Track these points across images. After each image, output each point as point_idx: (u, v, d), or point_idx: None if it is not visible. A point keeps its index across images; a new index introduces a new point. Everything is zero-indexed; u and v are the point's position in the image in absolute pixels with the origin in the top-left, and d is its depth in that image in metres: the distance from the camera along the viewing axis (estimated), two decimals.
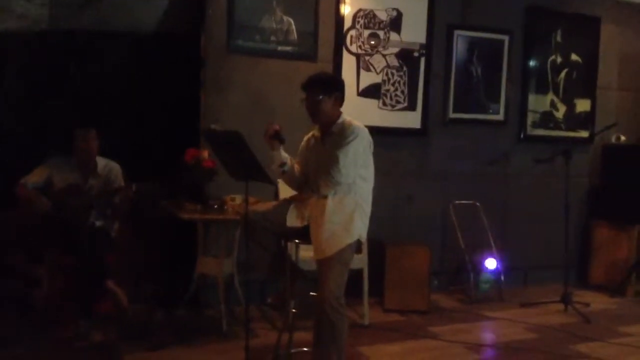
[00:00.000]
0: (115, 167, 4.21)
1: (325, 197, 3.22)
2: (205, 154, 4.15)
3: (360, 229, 3.28)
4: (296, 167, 3.44)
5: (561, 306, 5.09)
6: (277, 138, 3.29)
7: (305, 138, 3.52)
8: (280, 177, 3.54)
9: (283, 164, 3.36)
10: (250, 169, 3.21)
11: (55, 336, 3.90)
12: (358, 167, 3.25)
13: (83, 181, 4.09)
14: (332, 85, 3.34)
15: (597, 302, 5.38)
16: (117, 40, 4.85)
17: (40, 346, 3.78)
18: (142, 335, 4.03)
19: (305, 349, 3.62)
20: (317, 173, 3.28)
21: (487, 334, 4.58)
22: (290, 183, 3.50)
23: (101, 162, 4.16)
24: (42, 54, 4.78)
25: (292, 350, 3.63)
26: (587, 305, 5.16)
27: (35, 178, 3.99)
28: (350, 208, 3.24)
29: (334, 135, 3.29)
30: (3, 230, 4.04)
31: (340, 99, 3.35)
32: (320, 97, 3.25)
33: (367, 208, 3.34)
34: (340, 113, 3.34)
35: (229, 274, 4.33)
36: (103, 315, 3.97)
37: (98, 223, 4.12)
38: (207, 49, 4.63)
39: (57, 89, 4.74)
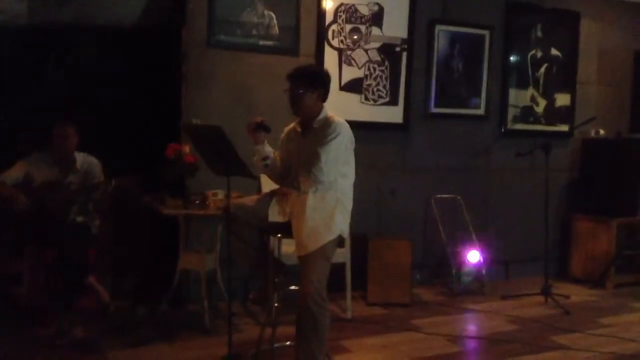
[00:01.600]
0: (94, 162, 4.18)
1: (306, 193, 3.22)
2: (187, 148, 4.13)
3: (341, 224, 3.28)
4: (277, 159, 3.43)
5: (541, 298, 5.15)
6: (261, 128, 3.28)
7: (286, 130, 3.51)
8: (262, 171, 3.53)
9: (266, 158, 3.35)
10: (231, 164, 3.21)
11: (36, 333, 3.88)
12: (339, 164, 3.25)
13: (62, 177, 4.05)
14: (317, 81, 3.32)
15: (577, 294, 5.45)
16: (97, 35, 4.81)
17: (21, 343, 3.76)
18: (124, 331, 4.02)
19: (288, 343, 3.63)
20: (298, 167, 3.28)
21: (469, 326, 4.62)
22: (273, 177, 3.51)
23: (80, 157, 4.13)
24: (21, 49, 4.73)
25: (275, 345, 3.63)
26: (567, 297, 5.23)
27: (13, 174, 3.96)
28: (331, 205, 3.24)
29: (315, 131, 3.28)
30: None
31: (324, 95, 3.35)
32: (304, 91, 3.25)
33: (348, 204, 3.34)
34: (322, 107, 3.33)
35: (212, 269, 4.32)
36: (84, 312, 3.95)
37: (78, 219, 4.09)
38: (188, 44, 4.60)
39: (36, 84, 4.70)
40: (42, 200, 3.90)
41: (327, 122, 3.27)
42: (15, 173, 3.97)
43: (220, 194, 4.10)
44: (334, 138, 3.20)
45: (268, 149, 3.36)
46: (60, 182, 4.02)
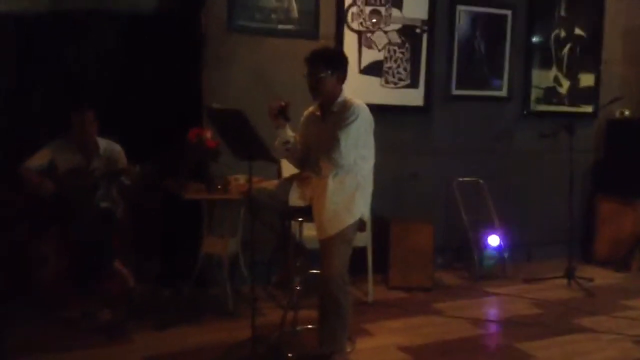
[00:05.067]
0: (117, 148, 4.21)
1: (326, 177, 3.21)
2: (209, 133, 4.14)
3: (361, 208, 3.28)
4: (297, 143, 3.43)
5: (565, 281, 5.11)
6: (282, 115, 3.27)
7: (305, 113, 3.50)
8: (283, 155, 3.53)
9: (287, 142, 3.34)
10: (253, 148, 3.21)
11: (62, 316, 3.95)
12: (359, 147, 3.23)
13: (86, 163, 4.10)
14: (336, 62, 3.30)
15: (601, 277, 5.39)
16: (118, 19, 4.82)
17: (47, 326, 3.83)
18: (149, 314, 4.07)
19: (310, 326, 3.66)
20: (318, 151, 3.27)
21: (491, 310, 4.61)
22: (293, 161, 3.50)
23: (102, 143, 4.16)
24: (41, 35, 4.76)
25: (298, 328, 3.66)
26: (591, 280, 5.17)
27: (38, 161, 4.00)
28: (351, 188, 3.23)
29: (334, 114, 3.26)
30: (9, 210, 4.06)
31: (343, 77, 3.32)
32: (323, 74, 3.23)
33: (369, 187, 3.34)
34: (341, 90, 3.31)
35: (234, 253, 4.35)
36: (110, 296, 4.01)
37: (103, 204, 4.14)
38: (208, 29, 4.60)
39: (56, 70, 4.73)
40: (67, 187, 3.94)
41: (346, 105, 3.25)
42: (40, 160, 4.01)
43: (242, 179, 4.11)
44: (354, 121, 3.18)
45: (289, 133, 3.35)
46: (85, 168, 4.06)
